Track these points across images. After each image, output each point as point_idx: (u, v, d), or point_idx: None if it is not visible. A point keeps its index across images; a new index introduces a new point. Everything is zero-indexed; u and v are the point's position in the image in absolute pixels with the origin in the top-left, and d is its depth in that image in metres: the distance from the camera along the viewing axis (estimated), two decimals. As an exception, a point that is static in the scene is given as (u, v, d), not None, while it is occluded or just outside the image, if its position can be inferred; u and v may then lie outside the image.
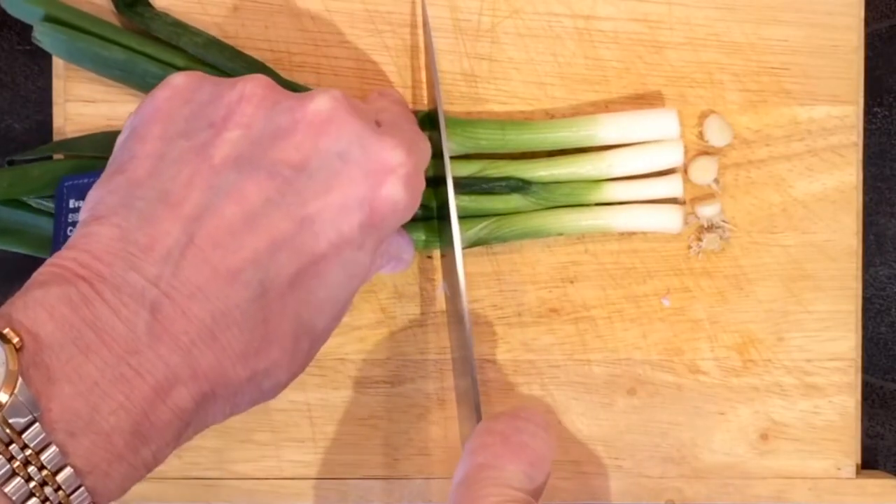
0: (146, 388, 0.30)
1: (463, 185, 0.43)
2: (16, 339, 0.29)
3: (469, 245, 0.43)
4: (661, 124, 0.43)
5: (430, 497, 0.45)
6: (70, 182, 0.41)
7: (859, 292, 0.46)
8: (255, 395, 0.34)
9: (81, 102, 0.44)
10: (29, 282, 0.31)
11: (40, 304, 0.30)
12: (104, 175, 0.34)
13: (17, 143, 0.47)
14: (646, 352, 0.45)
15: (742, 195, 0.45)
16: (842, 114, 0.45)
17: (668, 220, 0.43)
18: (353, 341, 0.45)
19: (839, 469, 0.45)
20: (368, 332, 0.45)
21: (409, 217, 0.36)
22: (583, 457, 0.45)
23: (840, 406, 0.45)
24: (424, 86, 0.44)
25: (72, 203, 0.40)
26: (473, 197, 0.43)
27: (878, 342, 0.49)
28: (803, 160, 0.45)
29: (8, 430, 0.28)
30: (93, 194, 0.33)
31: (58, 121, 0.44)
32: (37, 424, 0.28)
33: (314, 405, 0.45)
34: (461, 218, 0.42)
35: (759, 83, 0.45)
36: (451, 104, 0.45)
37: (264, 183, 0.32)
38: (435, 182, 0.42)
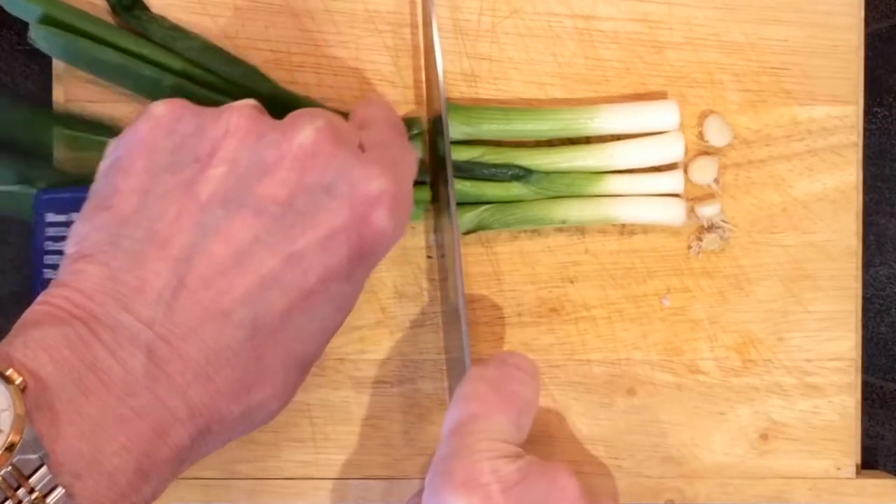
0: (146, 429, 0.31)
1: (463, 170, 0.43)
2: (19, 380, 0.29)
3: (469, 230, 0.43)
4: (662, 116, 0.43)
5: None
6: (47, 196, 0.41)
7: (859, 292, 0.46)
8: (248, 426, 0.34)
9: (82, 103, 0.44)
10: (22, 319, 0.31)
11: (40, 345, 0.30)
12: (88, 207, 0.34)
13: None
14: (646, 352, 0.45)
15: (742, 195, 0.45)
16: (842, 114, 0.46)
17: (671, 212, 0.43)
18: (353, 341, 0.45)
19: (839, 469, 0.46)
20: (368, 332, 0.45)
21: (397, 241, 0.36)
22: (583, 456, 0.45)
23: (840, 406, 0.45)
24: (425, 86, 0.44)
25: (49, 217, 0.40)
26: (473, 182, 0.43)
27: (877, 342, 0.50)
28: (803, 160, 0.45)
29: (16, 475, 0.28)
30: (78, 228, 0.34)
31: None
32: (44, 467, 0.28)
33: (314, 405, 0.45)
34: (460, 204, 0.43)
35: (759, 83, 0.45)
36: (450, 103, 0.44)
37: (251, 221, 0.33)
38: (436, 170, 0.43)
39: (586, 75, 0.45)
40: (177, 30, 0.43)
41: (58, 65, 0.44)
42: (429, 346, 0.45)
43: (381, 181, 0.34)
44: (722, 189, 0.45)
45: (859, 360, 0.46)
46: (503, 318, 0.45)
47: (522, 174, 0.43)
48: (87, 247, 0.33)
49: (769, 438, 0.45)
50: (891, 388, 0.50)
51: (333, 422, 0.45)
